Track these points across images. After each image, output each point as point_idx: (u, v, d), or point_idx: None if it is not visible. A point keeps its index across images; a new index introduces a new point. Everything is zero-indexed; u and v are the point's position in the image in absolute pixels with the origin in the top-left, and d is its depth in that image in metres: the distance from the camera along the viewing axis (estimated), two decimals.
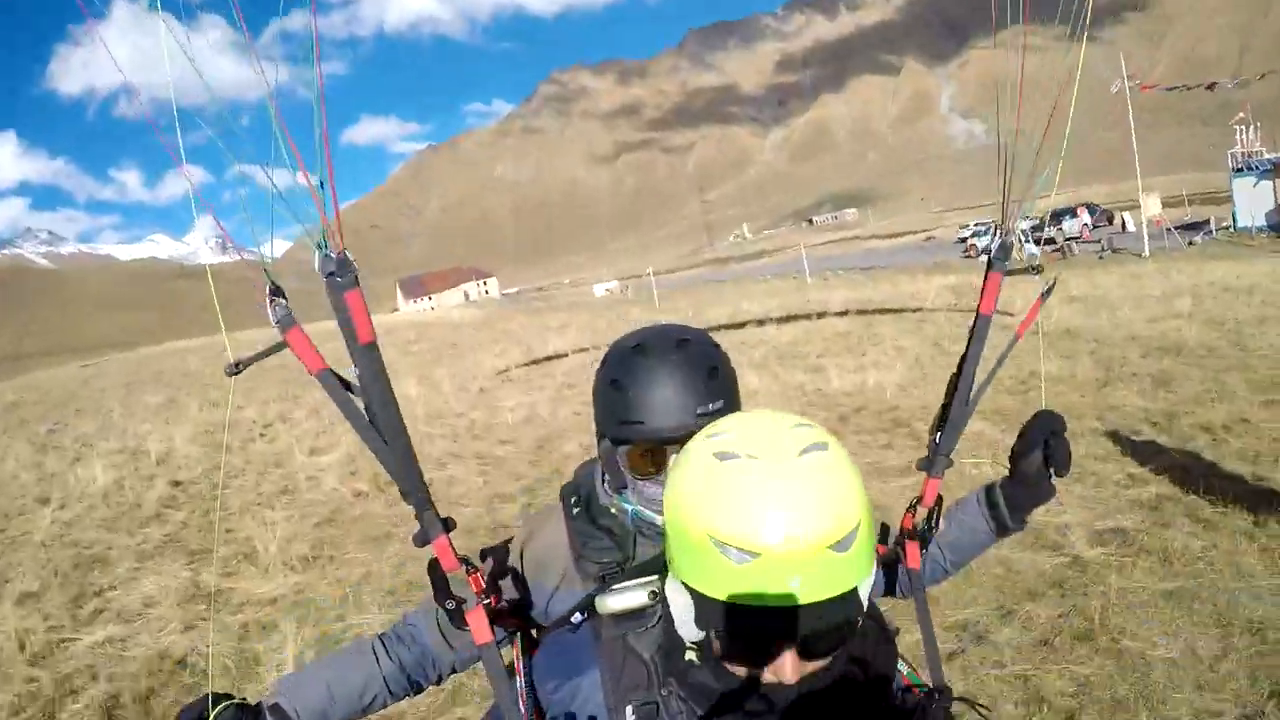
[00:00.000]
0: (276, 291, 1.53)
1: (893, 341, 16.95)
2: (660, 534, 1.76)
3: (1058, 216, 55.58)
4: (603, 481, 2.14)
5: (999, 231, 1.89)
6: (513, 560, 2.18)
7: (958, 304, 22.02)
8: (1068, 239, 46.50)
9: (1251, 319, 14.32)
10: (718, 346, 2.07)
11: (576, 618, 1.62)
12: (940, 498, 1.91)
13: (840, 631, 1.29)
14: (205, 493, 11.75)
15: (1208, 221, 47.40)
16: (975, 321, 1.92)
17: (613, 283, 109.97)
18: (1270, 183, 43.34)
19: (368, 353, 1.52)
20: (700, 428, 1.54)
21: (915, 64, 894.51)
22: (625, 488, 2.05)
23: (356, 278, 1.52)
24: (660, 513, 1.73)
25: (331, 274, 1.51)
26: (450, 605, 1.66)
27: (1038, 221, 54.93)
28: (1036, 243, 47.27)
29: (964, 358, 1.91)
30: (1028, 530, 6.30)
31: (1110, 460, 8.21)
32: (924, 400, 11.56)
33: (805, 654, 1.29)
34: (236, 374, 1.53)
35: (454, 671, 2.20)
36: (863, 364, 14.77)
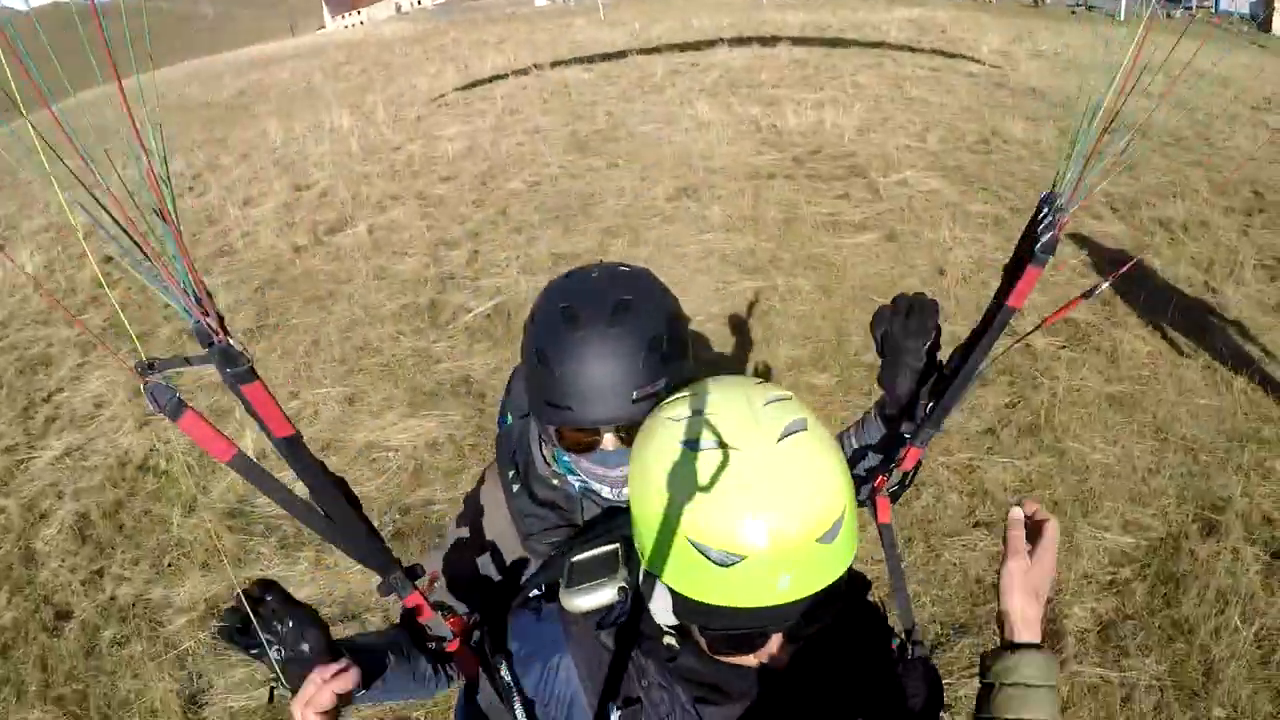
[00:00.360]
0: (149, 367, 1.19)
1: (850, 77, 16.19)
2: (608, 504, 1.86)
3: None
4: (540, 447, 1.97)
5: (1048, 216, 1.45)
6: (461, 557, 2.01)
7: (919, 41, 21.12)
8: None
9: (1223, 114, 14.12)
10: (665, 302, 1.83)
11: (534, 592, 1.59)
12: (919, 463, 1.73)
13: (828, 611, 1.26)
14: (139, 264, 10.76)
15: None
16: (997, 312, 1.64)
17: None
18: None
19: (289, 446, 1.30)
20: (638, 413, 1.56)
21: None
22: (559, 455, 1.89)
23: (252, 368, 1.22)
24: (604, 484, 1.82)
25: (222, 368, 1.21)
26: (432, 646, 1.66)
27: None
28: None
29: (971, 343, 1.69)
30: (981, 307, 6.39)
31: (1068, 243, 8.15)
32: (883, 149, 11.22)
33: (793, 638, 1.29)
34: (148, 379, 1.18)
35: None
36: (820, 100, 14.11)
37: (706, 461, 1.21)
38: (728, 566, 1.17)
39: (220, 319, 1.22)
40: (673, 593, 1.26)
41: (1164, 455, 5.05)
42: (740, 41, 21.50)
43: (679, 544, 1.20)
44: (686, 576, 1.22)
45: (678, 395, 1.37)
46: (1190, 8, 42.40)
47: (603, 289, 1.77)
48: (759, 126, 13.08)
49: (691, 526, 1.19)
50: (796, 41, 21.34)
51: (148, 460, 6.35)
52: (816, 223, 8.85)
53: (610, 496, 1.86)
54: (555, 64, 20.33)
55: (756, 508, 1.17)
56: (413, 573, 1.55)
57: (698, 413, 1.27)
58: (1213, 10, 43.45)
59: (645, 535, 1.27)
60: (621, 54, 19.65)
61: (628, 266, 1.89)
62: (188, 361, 1.21)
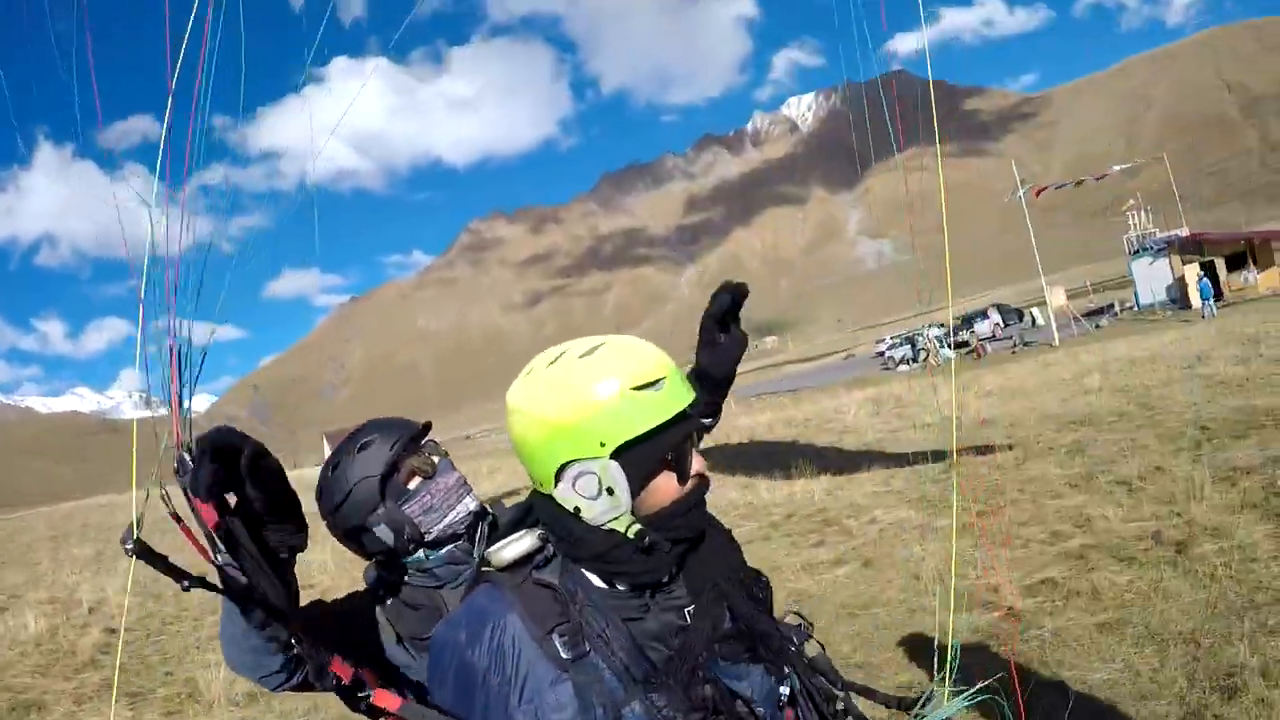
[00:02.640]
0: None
1: (817, 453, 17.10)
2: (431, 545, 2.29)
3: (969, 320, 57.38)
4: (384, 568, 2.38)
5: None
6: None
7: (878, 412, 22.41)
8: (981, 340, 47.82)
9: (1157, 382, 14.89)
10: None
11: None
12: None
13: (707, 426, 1.73)
14: (141, 639, 11.36)
15: (1112, 305, 49.52)
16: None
17: None
18: (1165, 260, 45.57)
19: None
20: (402, 450, 2.25)
21: (821, 192, 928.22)
22: (407, 552, 2.29)
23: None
24: (458, 500, 2.30)
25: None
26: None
27: (950, 329, 56.74)
28: (954, 347, 48.86)
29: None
30: (960, 594, 6.34)
31: (1032, 524, 8.35)
32: (851, 499, 11.58)
33: (678, 469, 1.52)
34: (135, 554, 1.38)
35: None
36: (790, 475, 14.85)
37: (599, 352, 1.52)
38: (660, 387, 1.48)
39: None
40: (626, 454, 1.47)
41: (1165, 652, 4.86)
42: (714, 446, 22.65)
43: (622, 402, 1.46)
44: (640, 418, 1.46)
45: (536, 358, 1.63)
46: (1116, 314, 45.14)
47: (350, 442, 2.33)
48: (736, 505, 13.44)
49: (626, 382, 1.47)
50: (767, 436, 22.41)
51: None
52: (795, 569, 8.92)
53: (473, 507, 2.32)
54: None
55: (647, 352, 1.54)
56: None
57: (559, 350, 1.57)
58: (1135, 308, 46.23)
59: (590, 432, 1.47)
60: None
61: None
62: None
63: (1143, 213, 51.49)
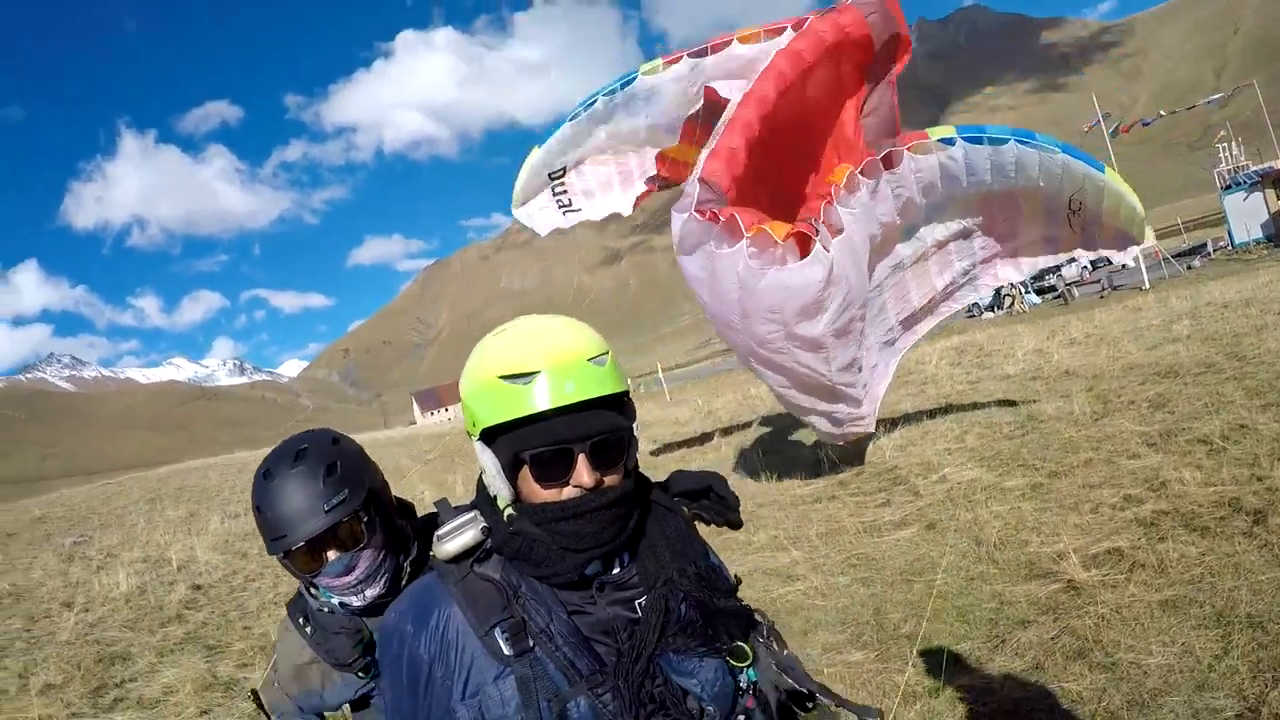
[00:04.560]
0: None
1: (894, 407, 16.76)
2: (358, 612, 2.35)
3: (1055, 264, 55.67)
4: (303, 587, 2.45)
5: None
6: (276, 692, 2.57)
7: (960, 362, 21.88)
8: (1068, 284, 46.35)
9: (1249, 329, 14.17)
10: (337, 441, 2.36)
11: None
12: None
13: (619, 440, 1.55)
14: (224, 596, 11.87)
15: (1205, 244, 47.46)
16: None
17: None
18: (1260, 194, 43.42)
19: None
20: (338, 518, 2.17)
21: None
22: (314, 585, 2.35)
23: None
24: (346, 594, 2.31)
25: None
26: None
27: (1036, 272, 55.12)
28: (1038, 293, 47.46)
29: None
30: (1021, 561, 6.12)
31: (1105, 486, 7.99)
32: (923, 456, 11.29)
33: (596, 462, 1.52)
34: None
35: None
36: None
37: (504, 331, 1.59)
38: (529, 383, 1.47)
39: None
40: (497, 436, 1.53)
41: (1229, 638, 4.57)
42: None
43: (492, 385, 1.49)
44: (504, 406, 1.48)
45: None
46: (1209, 254, 43.30)
47: (288, 446, 2.29)
48: (808, 460, 13.32)
49: (499, 369, 1.50)
50: None
51: None
52: (858, 530, 8.76)
53: (358, 604, 2.32)
54: None
55: (540, 338, 1.53)
56: None
57: (500, 329, 1.62)
58: (1229, 246, 44.28)
59: (471, 405, 1.55)
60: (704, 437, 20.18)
61: (312, 430, 2.42)
62: None
63: (1234, 144, 49.18)
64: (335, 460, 2.26)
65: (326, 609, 2.39)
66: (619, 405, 1.61)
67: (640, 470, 1.72)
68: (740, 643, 1.61)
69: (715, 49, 11.00)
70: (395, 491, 2.58)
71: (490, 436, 1.55)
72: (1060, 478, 8.67)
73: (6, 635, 10.69)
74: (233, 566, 13.72)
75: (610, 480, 1.54)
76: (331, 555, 2.24)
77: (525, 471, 1.54)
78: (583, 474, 1.51)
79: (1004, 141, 9.90)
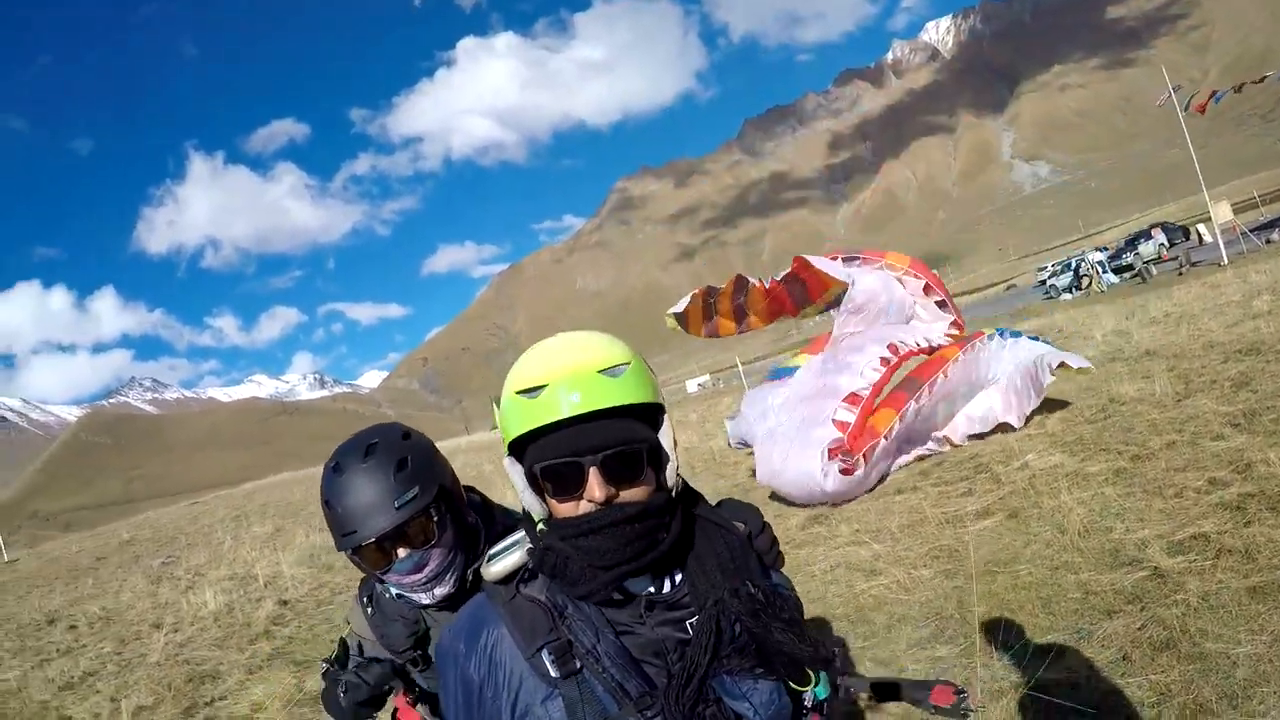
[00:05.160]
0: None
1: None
2: (421, 607, 2.45)
3: (1133, 242, 54.43)
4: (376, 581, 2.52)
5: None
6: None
7: None
8: (1146, 262, 45.31)
9: None
10: (408, 436, 2.38)
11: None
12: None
13: (633, 452, 1.51)
14: (311, 609, 12.11)
15: None
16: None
17: (704, 377, 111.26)
18: None
19: None
20: (405, 516, 2.21)
21: (970, 117, 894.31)
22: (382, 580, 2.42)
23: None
24: (414, 591, 2.37)
25: None
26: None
27: (1113, 250, 53.81)
28: (1116, 272, 46.45)
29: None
30: (1105, 549, 6.09)
31: (1189, 469, 7.86)
32: (1004, 443, 11.19)
33: (610, 476, 1.49)
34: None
35: None
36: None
37: (527, 351, 1.60)
38: (536, 395, 1.48)
39: None
40: (518, 450, 1.57)
41: None
42: None
43: (511, 402, 1.53)
44: (517, 420, 1.51)
45: None
46: None
47: (358, 442, 2.32)
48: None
49: (515, 384, 1.53)
50: None
51: None
52: (940, 521, 8.73)
53: (427, 602, 2.38)
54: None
55: (552, 351, 1.56)
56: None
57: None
58: None
59: (501, 424, 1.59)
60: None
61: (382, 424, 2.43)
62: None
63: None
64: (406, 455, 2.28)
65: (390, 595, 2.47)
66: (647, 418, 1.58)
67: (688, 484, 1.69)
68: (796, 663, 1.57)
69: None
70: (483, 493, 2.65)
71: (518, 454, 1.58)
72: (1143, 461, 8.55)
73: (98, 659, 11.00)
74: (319, 580, 14.02)
75: (630, 495, 1.51)
76: (401, 553, 2.27)
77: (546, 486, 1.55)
78: (594, 488, 1.48)
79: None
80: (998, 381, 11.91)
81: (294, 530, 21.84)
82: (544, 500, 1.57)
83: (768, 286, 14.42)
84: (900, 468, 11.72)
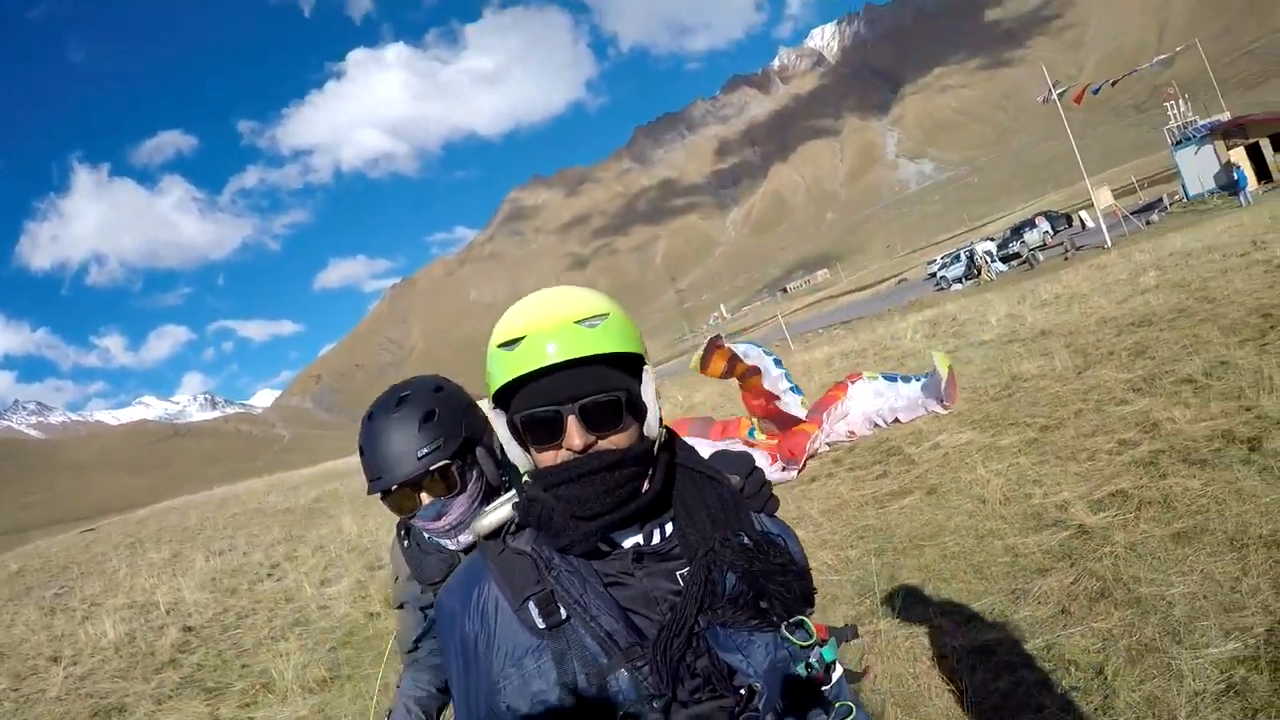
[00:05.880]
0: None
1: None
2: (450, 550, 2.47)
3: (1018, 230, 56.29)
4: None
5: None
6: (401, 588, 2.80)
7: (934, 333, 22.11)
8: (1031, 250, 46.86)
9: (1215, 273, 14.45)
10: (440, 389, 2.45)
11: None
12: None
13: (610, 400, 1.49)
14: (218, 635, 11.63)
15: (1160, 199, 48.26)
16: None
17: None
18: (1210, 147, 44.37)
19: None
20: (428, 465, 2.29)
21: (856, 120, 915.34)
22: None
23: None
24: (440, 536, 2.42)
25: None
26: None
27: (1000, 239, 55.57)
28: (1004, 260, 47.95)
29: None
30: (1028, 514, 6.21)
31: (1099, 434, 8.10)
32: (913, 425, 11.45)
33: (588, 424, 1.48)
34: None
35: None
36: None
37: (507, 311, 1.57)
38: (515, 347, 1.47)
39: None
40: (498, 401, 1.57)
41: (1246, 560, 4.64)
42: None
43: (492, 354, 1.52)
44: (498, 372, 1.50)
45: None
46: (1166, 208, 44.02)
47: (392, 393, 2.42)
48: None
49: (496, 337, 1.52)
50: (825, 370, 22.34)
51: None
52: (861, 503, 8.81)
53: (452, 548, 2.43)
54: None
55: (532, 304, 1.54)
56: None
57: None
58: (1184, 199, 45.13)
59: (487, 378, 1.57)
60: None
61: (421, 377, 2.50)
62: None
63: (1181, 101, 50.29)
64: (434, 408, 2.36)
65: (426, 534, 2.52)
66: (630, 367, 1.57)
67: (673, 433, 1.68)
68: (802, 617, 1.53)
69: None
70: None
71: (505, 407, 1.57)
72: (1053, 431, 8.77)
73: None
74: (223, 604, 13.49)
75: (610, 443, 1.50)
76: (425, 499, 2.37)
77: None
78: (573, 436, 1.48)
79: None
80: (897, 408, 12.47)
81: (193, 555, 20.92)
82: (528, 452, 1.56)
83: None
84: (809, 456, 11.81)
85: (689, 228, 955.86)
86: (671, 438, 1.67)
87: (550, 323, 1.47)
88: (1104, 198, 43.95)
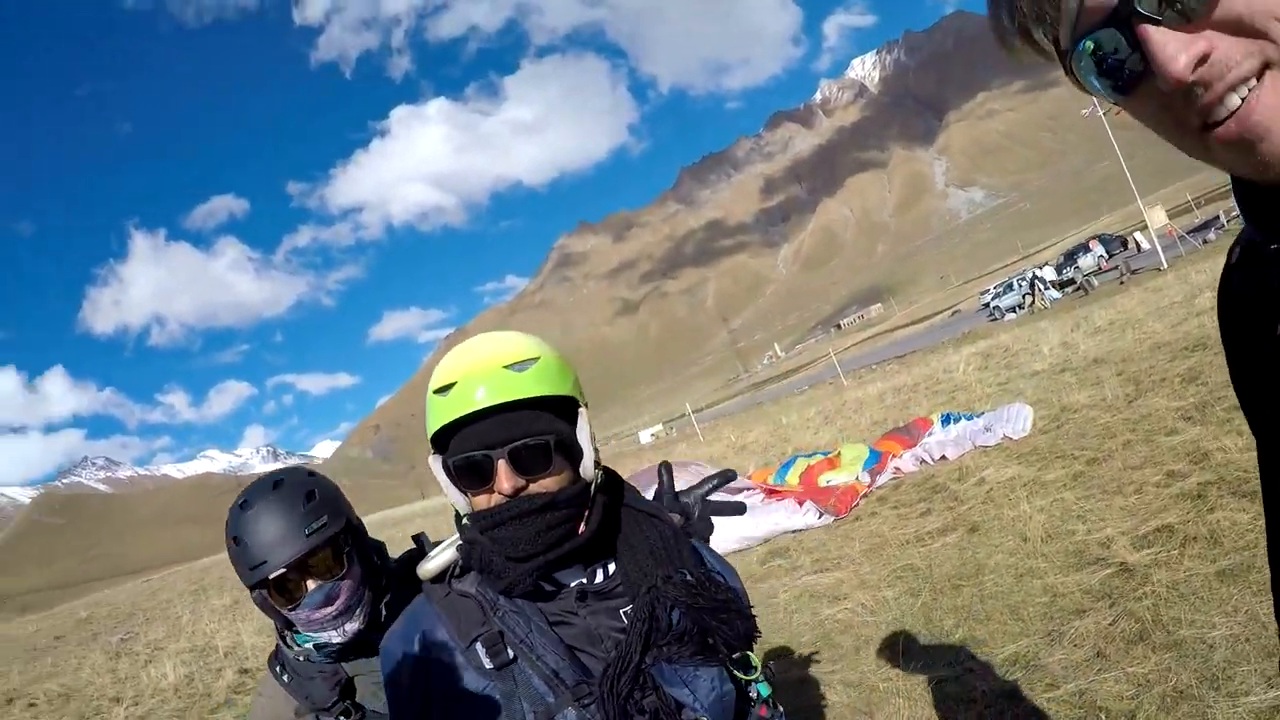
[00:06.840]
0: None
1: (926, 415, 16.64)
2: (334, 651, 2.26)
3: (1071, 256, 55.40)
4: (279, 636, 2.38)
5: None
6: None
7: (987, 365, 21.78)
8: (1086, 275, 46.08)
9: None
10: (313, 474, 2.34)
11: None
12: None
13: (539, 444, 1.50)
14: None
15: (1217, 217, 47.18)
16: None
17: (657, 427, 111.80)
18: None
19: None
20: (320, 540, 2.12)
21: (902, 150, 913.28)
22: (291, 626, 2.27)
23: None
24: (326, 629, 2.21)
25: None
26: None
27: (1057, 264, 54.75)
28: (1058, 287, 47.21)
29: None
30: (1069, 551, 5.99)
31: (1147, 466, 7.81)
32: (959, 462, 11.20)
33: (518, 468, 1.49)
34: None
35: None
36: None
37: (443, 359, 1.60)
38: (447, 393, 1.50)
39: None
40: (435, 446, 1.58)
41: None
42: (826, 420, 22.47)
43: (429, 402, 1.55)
44: (433, 418, 1.53)
45: None
46: (1223, 225, 42.99)
47: (264, 480, 2.26)
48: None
49: (432, 383, 1.55)
50: (877, 405, 22.15)
51: None
52: (901, 542, 8.61)
53: (339, 640, 2.22)
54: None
55: (464, 350, 1.56)
56: None
57: None
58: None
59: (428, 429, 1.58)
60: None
61: (292, 465, 2.47)
62: None
63: None
64: (313, 488, 2.24)
65: (303, 656, 2.33)
66: (565, 410, 1.59)
67: (615, 475, 1.72)
68: (747, 652, 1.60)
69: None
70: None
71: (440, 450, 1.59)
72: (1100, 464, 8.50)
73: None
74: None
75: (540, 486, 1.51)
76: (311, 585, 2.18)
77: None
78: (503, 480, 1.49)
79: None
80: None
81: (250, 602, 21.36)
82: (465, 495, 1.57)
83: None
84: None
85: (739, 267, 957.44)
86: (612, 479, 1.69)
87: (479, 368, 1.50)
88: (1158, 218, 43.18)
